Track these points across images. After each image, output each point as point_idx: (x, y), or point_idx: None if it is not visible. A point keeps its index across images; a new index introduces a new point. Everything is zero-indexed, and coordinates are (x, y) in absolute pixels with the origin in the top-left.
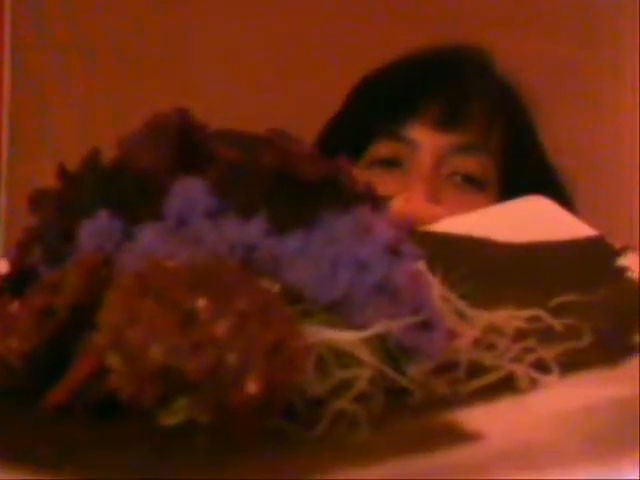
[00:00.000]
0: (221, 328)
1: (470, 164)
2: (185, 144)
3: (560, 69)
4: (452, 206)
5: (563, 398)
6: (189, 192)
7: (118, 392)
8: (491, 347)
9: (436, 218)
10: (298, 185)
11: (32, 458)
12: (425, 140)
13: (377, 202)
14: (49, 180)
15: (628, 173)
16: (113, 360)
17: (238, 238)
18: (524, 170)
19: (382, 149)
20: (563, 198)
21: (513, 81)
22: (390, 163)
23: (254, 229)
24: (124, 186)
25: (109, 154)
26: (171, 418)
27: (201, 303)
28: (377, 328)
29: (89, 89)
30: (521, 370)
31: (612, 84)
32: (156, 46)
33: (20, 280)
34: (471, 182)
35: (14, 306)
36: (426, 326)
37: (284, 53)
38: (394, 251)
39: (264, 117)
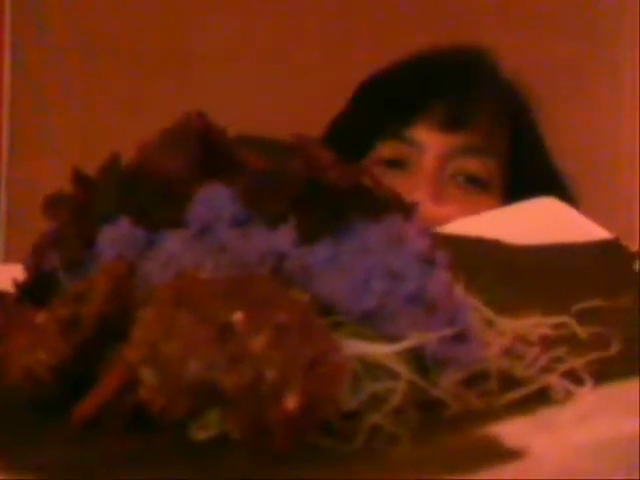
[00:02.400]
0: (259, 342)
1: (474, 165)
2: (206, 150)
3: (560, 69)
4: (456, 207)
5: (597, 419)
6: (214, 199)
7: (148, 405)
8: (519, 356)
9: (442, 219)
10: (328, 193)
11: (64, 471)
12: (430, 141)
13: (407, 210)
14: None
15: (628, 173)
16: (146, 374)
17: (267, 247)
18: (528, 171)
19: (386, 150)
20: (567, 200)
21: (518, 83)
22: (394, 164)
23: (284, 238)
24: (145, 192)
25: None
26: (202, 432)
27: (237, 316)
28: (413, 340)
29: (89, 89)
30: (556, 382)
31: (612, 84)
32: (156, 46)
33: (37, 286)
34: (475, 183)
35: (40, 317)
36: (460, 337)
37: (285, 53)
38: (427, 260)
39: (265, 117)
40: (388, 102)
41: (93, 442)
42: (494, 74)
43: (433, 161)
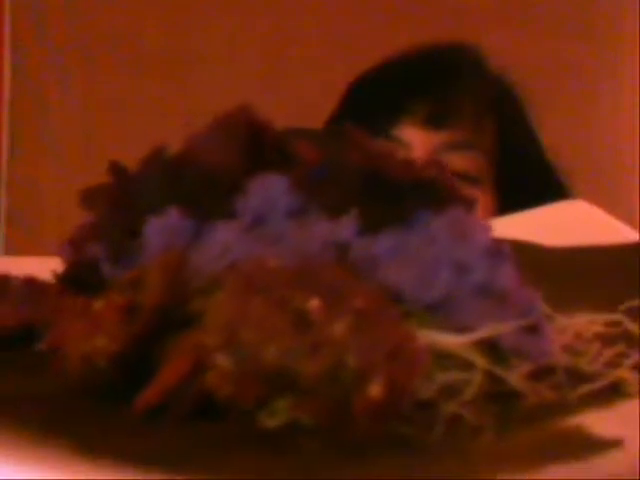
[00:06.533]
0: (339, 329)
1: (462, 161)
2: (254, 142)
3: (560, 68)
4: None
5: None
6: (268, 190)
7: (217, 393)
8: (581, 352)
9: None
10: (387, 185)
11: (132, 460)
12: (416, 139)
13: (468, 202)
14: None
15: (628, 172)
16: (222, 360)
17: (330, 237)
18: (519, 166)
19: None
20: (562, 195)
21: (507, 77)
22: None
23: (346, 228)
24: (191, 183)
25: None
26: (272, 419)
27: (313, 303)
28: (487, 331)
29: (89, 89)
30: (628, 375)
31: (612, 83)
32: (156, 46)
33: (78, 277)
34: (464, 179)
35: (97, 305)
36: (532, 329)
37: (285, 52)
38: (494, 252)
39: (265, 117)
40: (373, 101)
41: (156, 431)
42: (477, 69)
43: (419, 159)
